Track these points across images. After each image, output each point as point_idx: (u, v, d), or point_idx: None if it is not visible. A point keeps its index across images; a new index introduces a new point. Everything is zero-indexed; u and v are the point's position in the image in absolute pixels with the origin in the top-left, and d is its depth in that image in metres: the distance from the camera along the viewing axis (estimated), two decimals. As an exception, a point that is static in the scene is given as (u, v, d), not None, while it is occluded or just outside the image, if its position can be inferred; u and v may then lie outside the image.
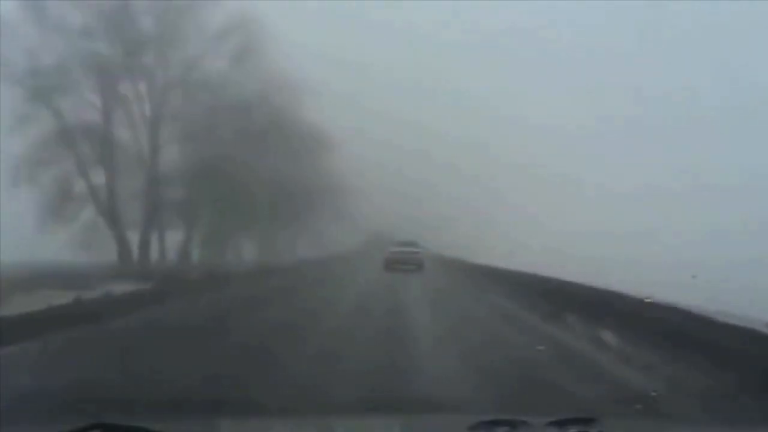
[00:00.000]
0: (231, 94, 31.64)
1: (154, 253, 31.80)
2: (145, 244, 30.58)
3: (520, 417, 3.06)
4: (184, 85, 30.33)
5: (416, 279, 25.31)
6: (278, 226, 38.32)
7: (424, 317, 13.47)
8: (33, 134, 28.20)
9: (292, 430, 4.14)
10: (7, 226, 23.53)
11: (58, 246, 27.48)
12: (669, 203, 32.61)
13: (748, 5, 35.61)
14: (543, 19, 43.60)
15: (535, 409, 5.07)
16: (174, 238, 32.87)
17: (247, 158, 31.51)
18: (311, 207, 39.33)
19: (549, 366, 8.35)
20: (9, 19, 25.33)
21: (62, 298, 13.40)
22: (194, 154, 31.41)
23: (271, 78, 32.68)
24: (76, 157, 29.43)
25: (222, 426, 4.01)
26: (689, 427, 3.71)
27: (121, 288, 16.80)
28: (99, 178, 30.10)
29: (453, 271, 31.31)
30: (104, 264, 27.03)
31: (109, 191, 30.07)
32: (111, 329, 11.11)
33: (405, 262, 31.24)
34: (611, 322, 10.33)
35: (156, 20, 28.65)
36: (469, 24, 44.78)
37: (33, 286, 18.04)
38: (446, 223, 41.40)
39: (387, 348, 9.43)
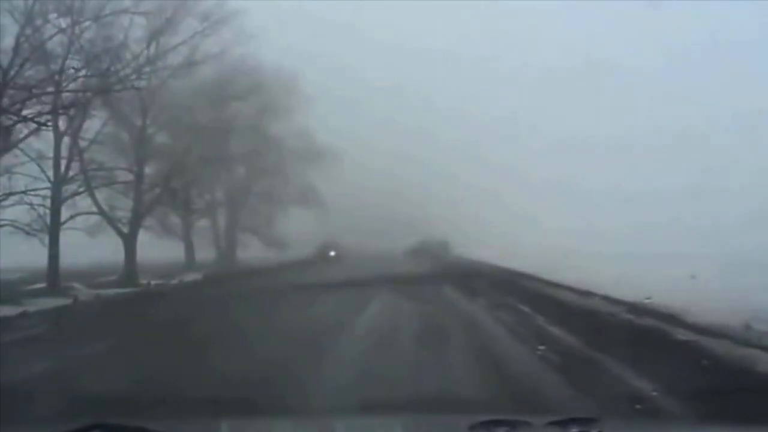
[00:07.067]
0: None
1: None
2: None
3: (520, 417, 3.06)
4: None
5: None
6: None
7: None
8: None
9: (292, 430, 4.14)
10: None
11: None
12: (670, 202, 32.64)
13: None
14: (544, 21, 43.50)
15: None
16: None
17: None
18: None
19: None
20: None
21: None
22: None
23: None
24: None
25: (222, 426, 4.01)
26: (689, 427, 3.71)
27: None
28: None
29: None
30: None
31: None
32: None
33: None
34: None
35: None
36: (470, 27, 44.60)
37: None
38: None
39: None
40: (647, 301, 11.57)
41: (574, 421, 2.95)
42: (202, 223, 36.51)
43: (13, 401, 6.05)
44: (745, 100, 33.98)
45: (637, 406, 5.76)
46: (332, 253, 40.63)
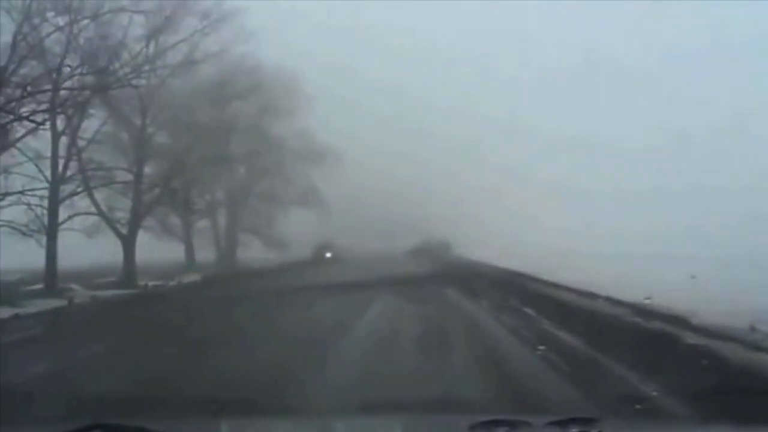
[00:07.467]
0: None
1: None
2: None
3: (520, 417, 3.05)
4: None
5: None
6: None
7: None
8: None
9: (292, 430, 4.13)
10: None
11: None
12: (668, 203, 32.71)
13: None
14: (541, 19, 43.54)
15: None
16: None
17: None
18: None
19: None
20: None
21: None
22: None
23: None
24: None
25: (222, 426, 4.00)
26: (689, 427, 3.70)
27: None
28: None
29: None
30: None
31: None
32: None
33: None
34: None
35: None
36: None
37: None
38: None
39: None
40: (647, 301, 11.55)
41: (574, 421, 2.95)
42: (202, 223, 36.31)
43: (12, 402, 6.04)
44: (745, 101, 34.06)
45: (637, 406, 5.76)
46: (328, 255, 40.40)
